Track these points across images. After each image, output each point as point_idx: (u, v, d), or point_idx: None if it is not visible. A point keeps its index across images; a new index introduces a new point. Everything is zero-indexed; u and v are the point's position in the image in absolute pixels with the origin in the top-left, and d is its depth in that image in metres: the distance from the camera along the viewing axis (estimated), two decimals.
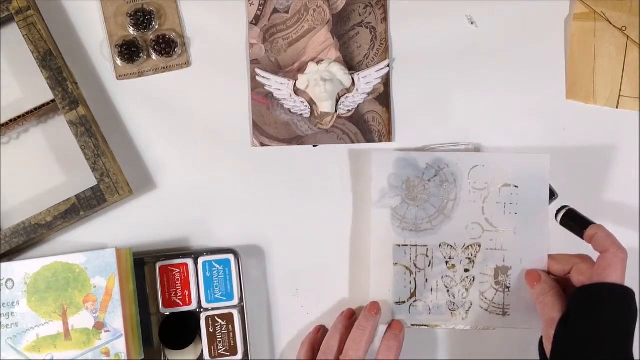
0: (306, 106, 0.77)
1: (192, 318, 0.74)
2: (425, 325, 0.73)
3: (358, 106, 0.78)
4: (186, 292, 0.74)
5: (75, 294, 0.70)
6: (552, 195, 0.75)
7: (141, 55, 0.76)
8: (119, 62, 0.77)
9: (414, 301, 0.69)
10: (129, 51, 0.76)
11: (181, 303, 0.74)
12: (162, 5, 0.77)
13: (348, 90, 0.77)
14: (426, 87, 0.78)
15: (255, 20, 0.78)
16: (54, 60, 0.73)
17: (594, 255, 0.64)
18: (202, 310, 0.74)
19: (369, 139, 0.78)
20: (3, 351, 0.70)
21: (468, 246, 0.68)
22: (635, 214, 0.77)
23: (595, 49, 0.78)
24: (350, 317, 0.73)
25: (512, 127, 0.78)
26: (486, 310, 0.68)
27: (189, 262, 0.74)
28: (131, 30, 0.77)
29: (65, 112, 0.73)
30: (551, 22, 0.78)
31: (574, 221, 0.66)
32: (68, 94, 0.73)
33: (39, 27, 0.74)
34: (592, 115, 0.78)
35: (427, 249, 0.69)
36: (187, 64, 0.78)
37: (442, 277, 0.69)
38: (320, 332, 0.74)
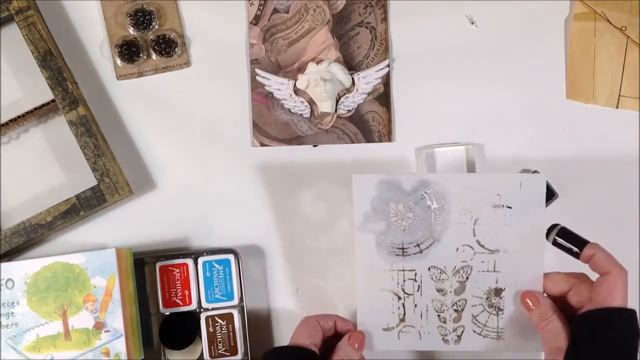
0: (306, 106, 0.77)
1: (192, 318, 0.74)
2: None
3: (358, 106, 0.78)
4: (186, 292, 0.74)
5: (75, 294, 0.70)
6: (552, 195, 0.75)
7: (141, 55, 0.76)
8: (119, 62, 0.77)
9: (404, 327, 0.66)
10: (129, 51, 0.76)
11: (181, 303, 0.74)
12: (162, 5, 0.77)
13: (348, 90, 0.77)
14: (426, 87, 0.78)
15: (255, 20, 0.78)
16: (54, 60, 0.73)
17: (589, 271, 0.62)
18: (202, 310, 0.74)
19: (369, 139, 0.78)
20: (3, 351, 0.70)
21: (459, 269, 0.65)
22: (636, 213, 0.77)
23: (595, 49, 0.78)
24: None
25: (512, 127, 0.78)
26: (479, 334, 0.65)
27: (189, 262, 0.74)
28: (131, 30, 0.77)
29: (65, 112, 0.73)
30: (551, 22, 0.78)
31: (568, 241, 0.62)
32: (68, 94, 0.73)
33: (39, 27, 0.74)
34: (592, 115, 0.78)
35: (416, 273, 0.66)
36: (187, 64, 0.78)
37: (432, 301, 0.66)
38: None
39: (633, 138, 0.78)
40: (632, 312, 0.57)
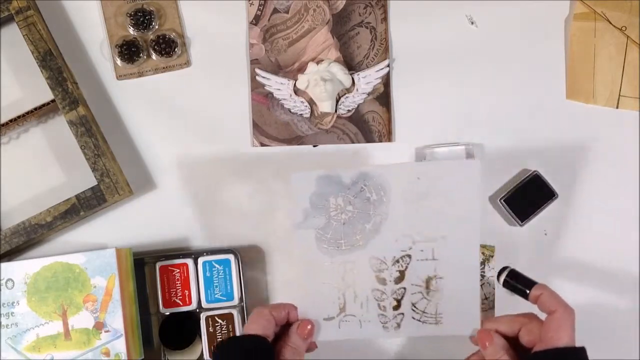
0: (306, 106, 0.77)
1: (192, 318, 0.74)
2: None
3: (358, 106, 0.78)
4: (186, 292, 0.74)
5: (75, 294, 0.70)
6: (552, 195, 0.76)
7: (141, 55, 0.76)
8: (119, 62, 0.77)
9: (344, 316, 0.67)
10: (129, 51, 0.76)
11: (181, 303, 0.74)
12: (162, 5, 0.77)
13: (348, 90, 0.77)
14: (426, 87, 0.78)
15: (255, 20, 0.78)
16: (54, 60, 0.73)
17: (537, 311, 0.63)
18: (202, 310, 0.74)
19: (369, 139, 0.78)
20: (3, 351, 0.70)
21: (398, 259, 0.66)
22: (636, 213, 0.77)
23: (595, 49, 0.78)
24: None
25: (512, 127, 0.78)
26: (419, 320, 0.66)
27: (189, 262, 0.74)
28: (131, 30, 0.77)
29: (65, 112, 0.73)
30: (551, 22, 0.78)
31: (517, 282, 0.65)
32: (68, 94, 0.73)
33: (39, 27, 0.74)
34: (592, 115, 0.78)
35: (356, 264, 0.66)
36: (187, 64, 0.78)
37: (372, 291, 0.66)
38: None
39: (633, 138, 0.78)
40: (581, 350, 0.58)
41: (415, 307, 0.66)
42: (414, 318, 0.66)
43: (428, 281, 0.66)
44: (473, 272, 0.65)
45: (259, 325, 0.63)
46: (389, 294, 0.67)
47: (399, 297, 0.66)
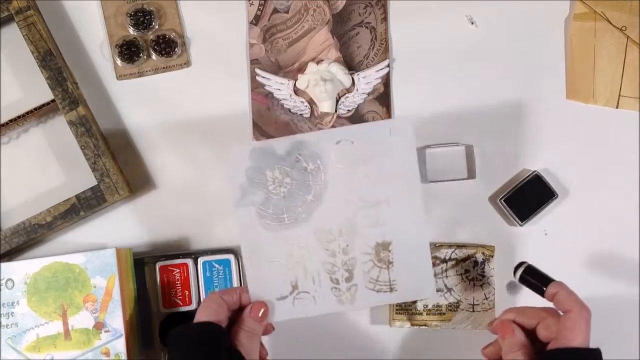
0: (306, 106, 0.77)
1: (192, 318, 0.74)
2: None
3: (358, 106, 0.78)
4: (186, 292, 0.74)
5: (75, 294, 0.70)
6: (552, 195, 0.76)
7: (141, 55, 0.76)
8: (119, 62, 0.77)
9: (297, 294, 0.65)
10: (129, 51, 0.76)
11: (181, 303, 0.74)
12: (162, 5, 0.78)
13: (348, 90, 0.77)
14: (426, 87, 0.78)
15: (255, 20, 0.78)
16: (54, 60, 0.73)
17: None
18: None
19: None
20: (3, 351, 0.70)
21: (343, 228, 0.65)
22: (636, 213, 0.77)
23: (595, 49, 0.78)
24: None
25: (512, 126, 0.78)
26: (373, 289, 0.65)
27: (189, 262, 0.74)
28: (131, 30, 0.77)
29: (65, 112, 0.73)
30: (551, 22, 0.78)
31: (534, 278, 0.64)
32: (68, 94, 0.73)
33: (39, 27, 0.74)
34: (592, 115, 0.78)
35: (302, 238, 0.65)
36: (187, 64, 0.78)
37: (323, 264, 0.65)
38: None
39: (633, 138, 0.78)
40: (596, 352, 0.58)
41: (368, 276, 0.66)
42: (367, 288, 0.65)
43: (377, 248, 0.65)
44: (420, 234, 0.65)
45: (211, 311, 0.62)
46: (340, 266, 0.65)
47: (351, 268, 0.65)
